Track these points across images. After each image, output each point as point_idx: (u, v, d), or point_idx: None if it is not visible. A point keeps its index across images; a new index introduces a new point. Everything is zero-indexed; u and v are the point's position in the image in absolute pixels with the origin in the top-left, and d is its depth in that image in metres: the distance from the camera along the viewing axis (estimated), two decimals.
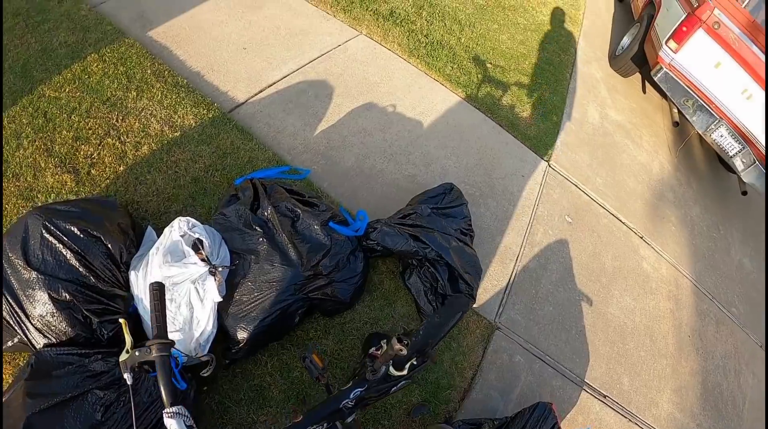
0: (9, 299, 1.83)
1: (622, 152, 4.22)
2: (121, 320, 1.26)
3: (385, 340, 1.60)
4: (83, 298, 1.86)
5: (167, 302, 1.88)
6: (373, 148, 2.95)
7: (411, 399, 2.33)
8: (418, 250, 2.28)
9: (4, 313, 1.86)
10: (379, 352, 1.57)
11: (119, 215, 2.11)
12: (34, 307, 1.82)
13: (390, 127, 3.08)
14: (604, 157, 4.01)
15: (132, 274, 1.96)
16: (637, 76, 5.29)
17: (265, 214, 2.19)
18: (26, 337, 1.85)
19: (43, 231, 1.86)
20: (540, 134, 3.66)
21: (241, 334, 2.02)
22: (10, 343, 1.89)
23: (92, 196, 2.17)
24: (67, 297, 1.84)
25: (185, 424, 1.09)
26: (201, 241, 1.96)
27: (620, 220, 3.67)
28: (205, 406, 2.12)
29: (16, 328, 1.85)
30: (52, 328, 1.83)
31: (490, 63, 4.00)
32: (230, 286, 2.05)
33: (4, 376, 2.08)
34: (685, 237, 4.11)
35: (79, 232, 1.89)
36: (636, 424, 2.85)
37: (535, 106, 3.85)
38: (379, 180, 2.84)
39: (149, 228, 2.21)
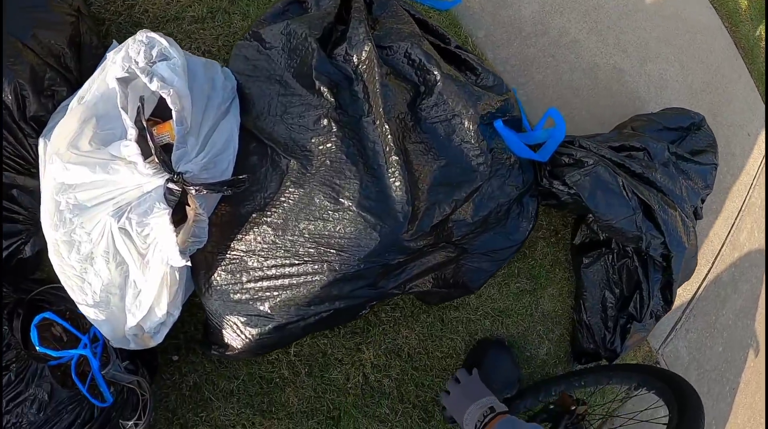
0: None
1: None
2: None
3: None
4: None
5: (62, 245, 0.65)
6: (569, 2, 1.60)
7: None
8: (641, 235, 1.07)
9: None
10: None
11: (50, 20, 0.87)
12: None
13: None
14: None
15: (41, 144, 0.78)
16: None
17: (354, 58, 0.90)
18: None
19: None
20: None
21: (230, 337, 0.87)
22: None
23: None
24: None
25: None
26: (157, 100, 0.76)
27: None
28: (169, 386, 1.08)
29: None
30: None
31: None
32: (227, 218, 0.86)
33: None
34: None
35: None
36: None
37: None
38: (570, 56, 1.49)
39: (115, 44, 0.99)
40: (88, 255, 0.70)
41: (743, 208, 1.90)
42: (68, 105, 0.83)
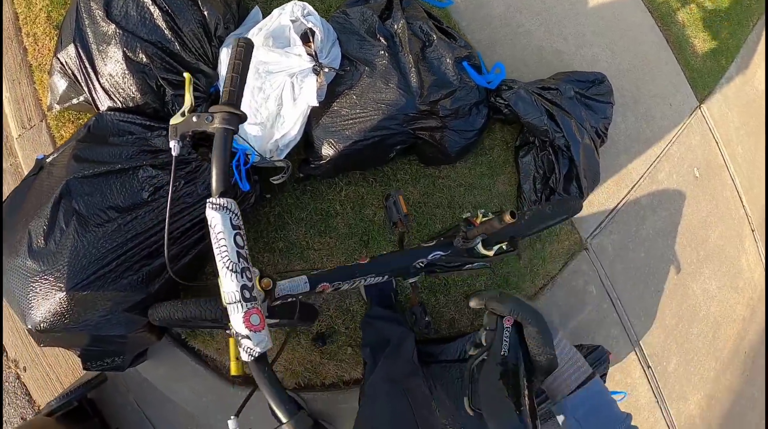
0: (81, 52, 1.68)
1: None
2: (186, 75, 1.04)
3: (482, 211, 1.39)
4: (162, 64, 1.69)
5: (255, 90, 1.68)
6: (527, 4, 2.55)
7: (474, 284, 2.19)
8: (549, 129, 2.00)
9: (73, 68, 1.72)
10: (476, 220, 1.40)
11: None
12: (105, 64, 1.67)
13: None
14: (754, 129, 3.53)
15: (223, 52, 1.75)
16: None
17: (395, 26, 1.90)
18: (91, 95, 1.73)
19: None
20: (703, 70, 3.18)
21: (327, 150, 1.84)
22: (75, 101, 1.79)
23: None
24: (144, 59, 1.67)
25: (231, 223, 0.89)
26: (312, 33, 1.71)
27: (742, 202, 3.29)
28: (261, 215, 2.02)
29: (83, 85, 1.73)
30: (120, 90, 1.69)
31: None
32: (331, 94, 1.83)
33: (62, 134, 2.01)
34: None
35: None
36: (660, 408, 2.76)
37: (709, 39, 3.31)
38: (523, 41, 2.48)
39: (256, 8, 1.98)
40: (267, 96, 1.67)
41: (661, 156, 2.78)
42: (236, 34, 1.81)
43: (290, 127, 1.73)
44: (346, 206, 2.06)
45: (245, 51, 0.99)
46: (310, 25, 1.69)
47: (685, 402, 2.91)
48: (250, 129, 1.74)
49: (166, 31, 1.67)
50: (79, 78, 1.73)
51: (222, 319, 1.18)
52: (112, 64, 1.67)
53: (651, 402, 2.72)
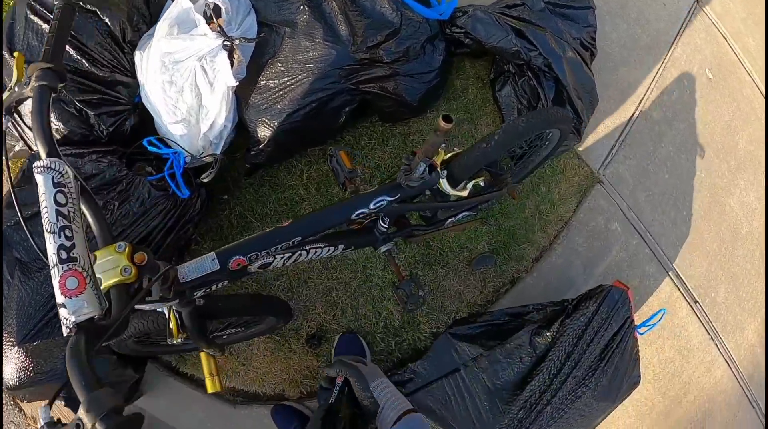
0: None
1: None
2: (16, 53, 1.00)
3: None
4: (75, 86, 1.54)
5: (166, 85, 1.46)
6: None
7: (476, 246, 1.91)
8: (520, 50, 1.69)
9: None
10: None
11: None
12: (24, 104, 1.50)
13: None
14: (762, 18, 3.13)
15: (137, 56, 1.53)
16: None
17: None
18: (23, 139, 1.62)
19: (28, 12, 1.52)
20: None
21: (263, 132, 1.60)
22: (17, 149, 1.69)
23: None
24: None
25: (53, 182, 0.83)
26: (217, 8, 1.47)
27: (766, 98, 2.91)
28: (223, 219, 1.78)
29: (14, 131, 1.63)
30: None
31: None
32: (255, 69, 1.59)
33: None
34: None
35: None
36: (716, 344, 2.43)
37: None
38: None
39: (169, 0, 1.73)
40: (180, 88, 1.43)
41: (666, 61, 2.45)
42: (149, 34, 1.56)
43: (215, 115, 1.50)
44: (311, 189, 1.80)
45: (62, 12, 0.97)
46: (212, 0, 1.45)
47: (742, 332, 2.57)
48: (174, 129, 1.52)
49: (72, 52, 1.51)
50: (10, 126, 1.61)
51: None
52: (29, 101, 1.49)
53: (704, 340, 2.39)
